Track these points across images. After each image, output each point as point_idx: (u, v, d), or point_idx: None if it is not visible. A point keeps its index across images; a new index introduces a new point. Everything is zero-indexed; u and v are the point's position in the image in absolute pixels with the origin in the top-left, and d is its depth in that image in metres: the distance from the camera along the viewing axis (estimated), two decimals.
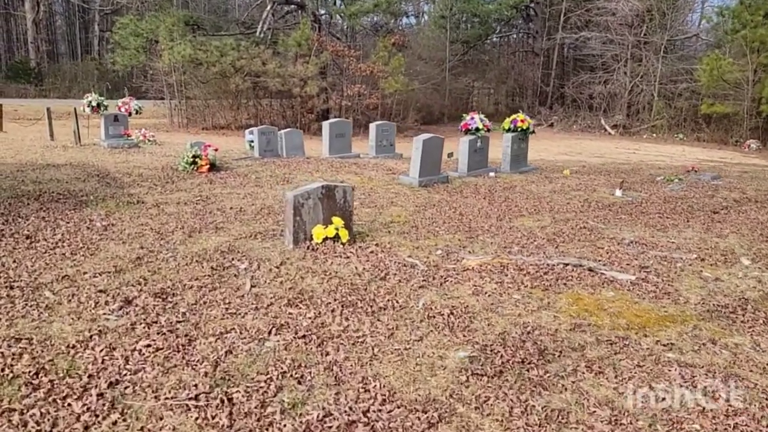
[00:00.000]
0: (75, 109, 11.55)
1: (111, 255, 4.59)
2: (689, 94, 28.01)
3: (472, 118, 9.81)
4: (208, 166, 8.68)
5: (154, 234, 5.26)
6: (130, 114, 13.51)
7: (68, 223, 5.47)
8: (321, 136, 18.96)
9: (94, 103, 12.91)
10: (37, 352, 2.98)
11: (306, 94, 22.64)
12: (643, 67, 29.71)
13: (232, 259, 4.57)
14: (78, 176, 7.88)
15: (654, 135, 28.15)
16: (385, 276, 4.28)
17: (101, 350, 3.03)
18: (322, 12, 28.80)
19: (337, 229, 4.92)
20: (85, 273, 4.13)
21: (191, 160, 8.59)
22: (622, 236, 5.84)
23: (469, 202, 7.58)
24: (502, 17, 38.14)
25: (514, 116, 10.71)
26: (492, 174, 9.88)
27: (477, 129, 9.75)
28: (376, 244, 5.05)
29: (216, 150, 9.11)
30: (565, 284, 4.24)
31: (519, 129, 10.56)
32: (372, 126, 11.90)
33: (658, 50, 29.07)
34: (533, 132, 10.88)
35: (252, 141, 12.08)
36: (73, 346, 3.05)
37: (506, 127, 10.62)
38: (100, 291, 3.79)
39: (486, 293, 4.02)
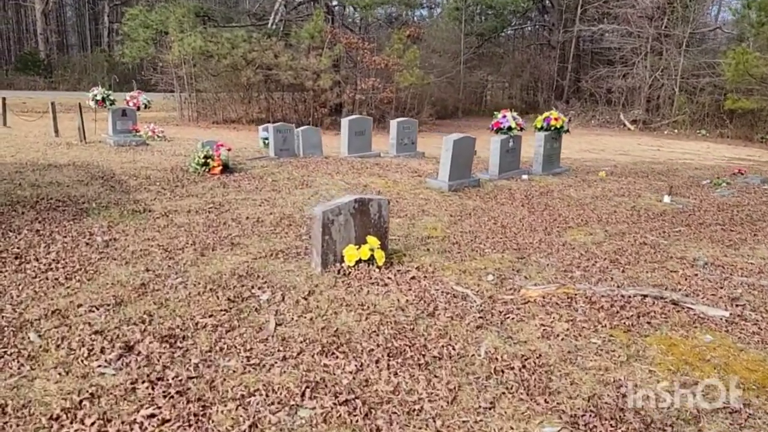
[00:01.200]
0: (80, 104, 10.94)
1: (111, 280, 3.95)
2: (712, 89, 27.06)
3: (504, 116, 9.08)
4: (220, 167, 8.03)
5: (162, 252, 4.61)
6: (138, 108, 12.92)
7: (65, 237, 4.84)
8: (334, 131, 18.26)
9: (99, 97, 12.32)
10: (11, 426, 2.34)
11: (319, 87, 21.93)
12: (664, 60, 28.72)
13: (252, 286, 3.91)
14: (80, 178, 7.27)
15: (675, 131, 27.25)
16: (434, 311, 3.60)
17: (92, 423, 2.38)
18: (335, 3, 28.02)
19: (372, 250, 4.25)
20: (79, 306, 3.49)
21: (203, 161, 7.95)
22: (691, 255, 5.12)
23: (507, 211, 6.88)
24: (517, 9, 37.21)
25: (546, 114, 9.97)
26: (525, 176, 9.17)
27: (509, 128, 9.03)
28: (417, 268, 4.37)
29: (229, 150, 8.46)
30: (649, 323, 3.55)
31: (552, 127, 9.82)
32: (393, 123, 11.20)
33: (680, 43, 28.06)
34: (567, 131, 10.14)
35: (266, 138, 11.43)
36: (57, 417, 2.41)
37: (539, 126, 9.88)
38: (96, 332, 3.15)
39: (558, 336, 3.34)
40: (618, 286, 4.11)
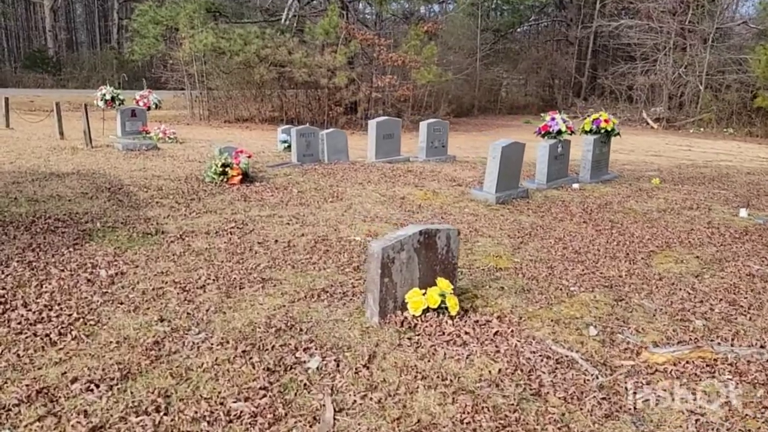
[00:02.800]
0: (85, 105, 10.14)
1: (116, 336, 3.11)
2: (739, 86, 26.01)
3: (553, 119, 8.18)
4: (240, 176, 7.20)
5: (179, 291, 3.77)
6: (148, 108, 12.16)
7: (62, 271, 4.01)
8: (350, 129, 17.48)
9: (107, 97, 11.58)
10: None
11: (334, 85, 21.07)
12: (688, 56, 27.62)
13: (295, 347, 3.05)
14: (85, 190, 6.46)
15: (701, 129, 26.23)
16: (539, 389, 2.73)
17: None
18: None
19: (442, 295, 3.38)
20: (73, 381, 2.65)
21: (220, 170, 7.11)
22: None
23: (570, 230, 5.98)
24: (534, 4, 36.23)
25: (595, 115, 9.05)
26: (576, 185, 8.26)
27: (559, 132, 8.12)
28: (498, 317, 3.50)
29: (249, 156, 7.62)
30: None
31: (602, 130, 8.91)
32: (422, 125, 10.32)
33: (705, 39, 26.97)
34: (618, 134, 9.21)
35: (286, 141, 10.60)
36: None
37: (587, 129, 8.97)
38: (93, 429, 2.31)
39: (717, 431, 2.46)
40: (762, 346, 3.23)
